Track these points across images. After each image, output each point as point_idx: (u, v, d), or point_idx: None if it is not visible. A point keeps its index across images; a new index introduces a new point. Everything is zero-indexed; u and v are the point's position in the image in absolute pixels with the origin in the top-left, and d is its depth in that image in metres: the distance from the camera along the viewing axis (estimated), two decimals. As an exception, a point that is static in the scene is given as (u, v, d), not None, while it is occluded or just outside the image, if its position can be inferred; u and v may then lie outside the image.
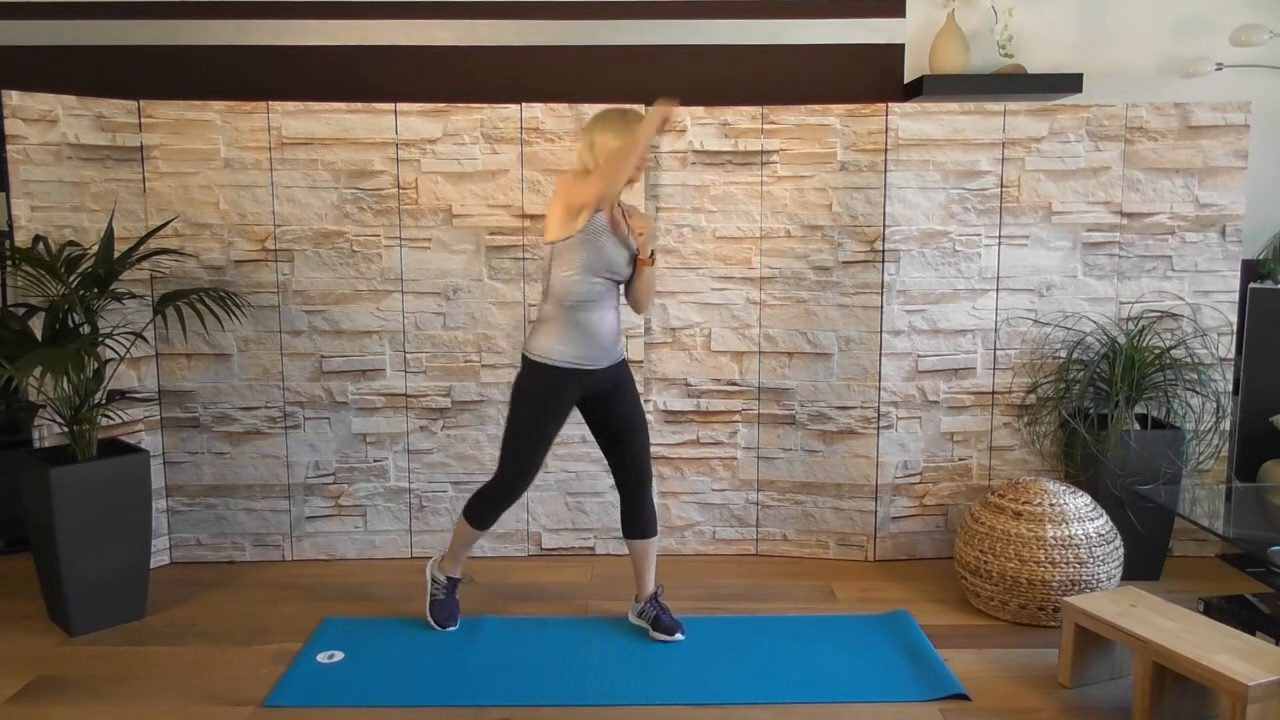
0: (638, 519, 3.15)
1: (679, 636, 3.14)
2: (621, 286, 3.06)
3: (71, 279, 3.19)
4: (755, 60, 4.16)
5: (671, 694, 2.82)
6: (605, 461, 3.82)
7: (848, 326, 3.80)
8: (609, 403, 3.07)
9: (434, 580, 3.27)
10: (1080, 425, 3.59)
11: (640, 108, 3.69)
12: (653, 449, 3.89)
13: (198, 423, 3.78)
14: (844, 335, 3.80)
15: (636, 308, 3.09)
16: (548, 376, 2.97)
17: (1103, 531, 3.26)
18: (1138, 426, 3.64)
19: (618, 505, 3.84)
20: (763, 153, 3.77)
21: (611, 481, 3.86)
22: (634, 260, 3.01)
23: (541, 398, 2.98)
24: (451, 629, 3.21)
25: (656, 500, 3.91)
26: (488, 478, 3.83)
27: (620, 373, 3.09)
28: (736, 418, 3.90)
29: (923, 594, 3.55)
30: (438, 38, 4.12)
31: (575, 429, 3.78)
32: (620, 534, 3.90)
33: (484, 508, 3.10)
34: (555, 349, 2.95)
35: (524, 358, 3.02)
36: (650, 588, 3.24)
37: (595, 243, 2.90)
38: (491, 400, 3.83)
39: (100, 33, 4.08)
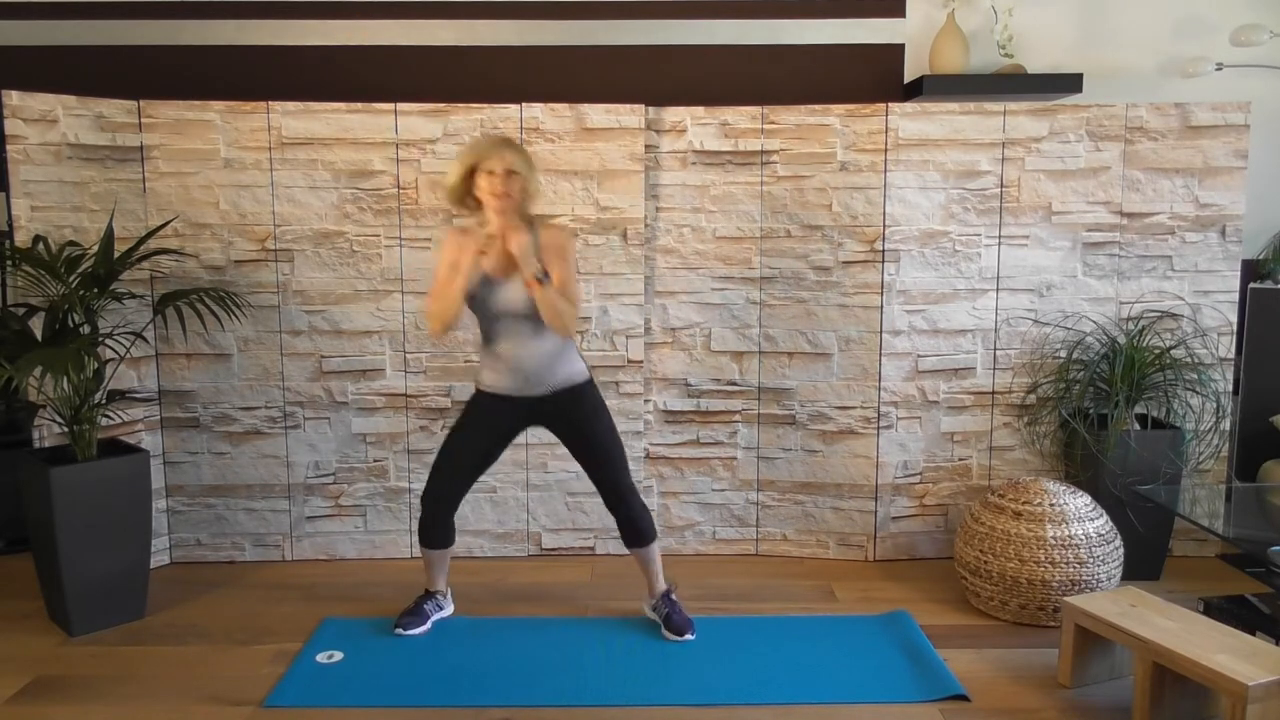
0: (626, 532, 3.19)
1: (689, 636, 3.14)
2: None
3: (71, 279, 3.19)
4: (755, 60, 4.16)
5: (671, 694, 2.82)
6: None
7: (848, 326, 3.80)
8: (564, 431, 3.10)
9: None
10: (1080, 425, 3.59)
11: (641, 107, 3.69)
12: (653, 449, 3.89)
13: (198, 423, 3.78)
14: (844, 335, 3.80)
15: (556, 332, 2.95)
16: (476, 396, 3.13)
17: (1103, 531, 3.26)
18: (1138, 426, 3.64)
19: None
20: (763, 153, 3.77)
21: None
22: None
23: (468, 413, 3.13)
24: (401, 632, 3.18)
25: (657, 501, 3.91)
26: (488, 477, 3.84)
27: (571, 400, 3.05)
28: (736, 418, 3.90)
29: (923, 594, 3.55)
30: (438, 38, 4.12)
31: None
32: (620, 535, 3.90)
33: (420, 522, 3.19)
34: (486, 378, 3.09)
35: None
36: (660, 587, 3.26)
37: (479, 295, 2.94)
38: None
39: (100, 33, 4.08)
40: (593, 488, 3.85)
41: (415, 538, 3.88)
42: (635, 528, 3.17)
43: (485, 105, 3.72)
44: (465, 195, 2.96)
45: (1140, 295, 3.80)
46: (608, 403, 3.80)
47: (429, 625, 3.23)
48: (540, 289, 2.87)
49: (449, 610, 3.34)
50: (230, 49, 4.10)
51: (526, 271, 2.86)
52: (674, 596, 3.26)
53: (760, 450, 3.91)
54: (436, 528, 3.18)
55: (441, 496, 3.14)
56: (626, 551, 3.90)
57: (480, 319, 3.02)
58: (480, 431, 3.11)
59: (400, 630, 3.18)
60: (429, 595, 3.29)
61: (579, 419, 3.07)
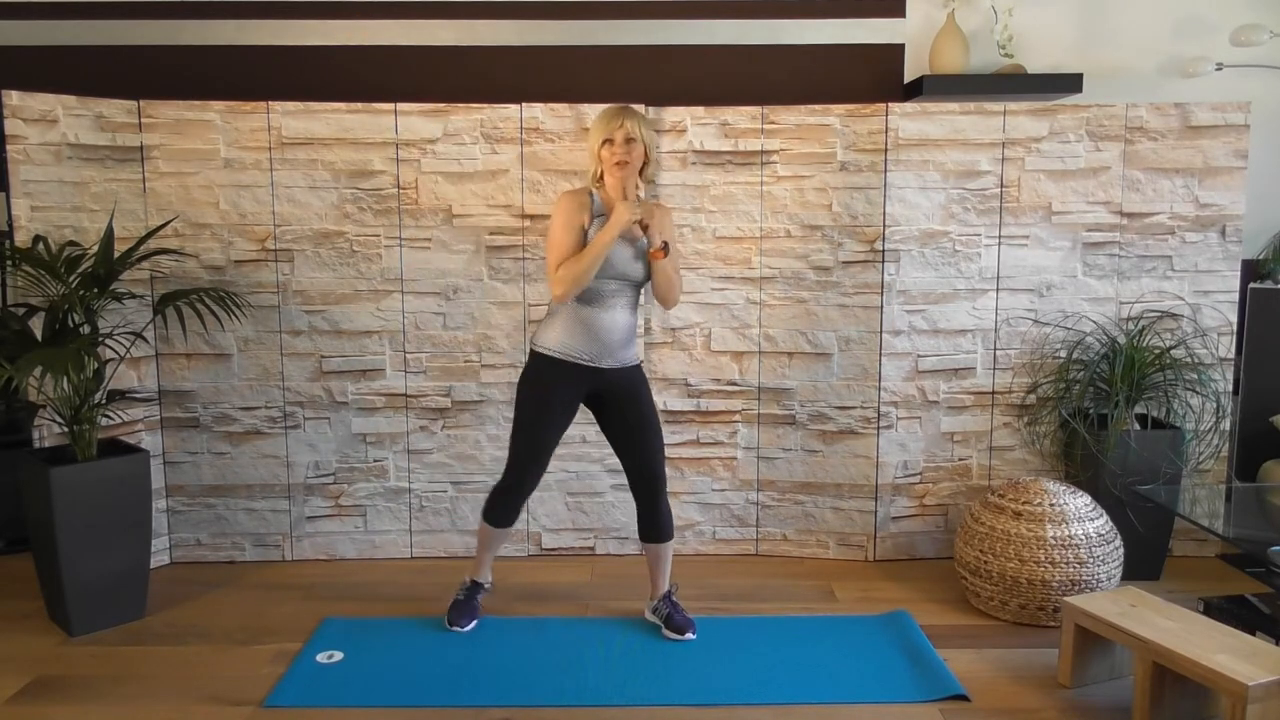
0: (652, 524, 3.17)
1: (689, 636, 3.14)
2: (641, 288, 3.06)
3: (71, 279, 3.19)
4: (755, 60, 4.16)
5: (671, 694, 2.82)
6: (605, 462, 3.83)
7: (848, 326, 3.80)
8: (619, 407, 3.07)
9: (462, 581, 3.32)
10: (1080, 425, 3.59)
11: (641, 107, 3.69)
12: (653, 449, 3.89)
13: (198, 423, 3.78)
14: (844, 335, 3.80)
15: (662, 303, 3.07)
16: (549, 367, 3.01)
17: (1103, 531, 3.26)
18: (1138, 426, 3.64)
19: (617, 505, 3.85)
20: (763, 153, 3.77)
21: (612, 482, 3.86)
22: (646, 256, 2.99)
23: (544, 388, 3.03)
24: (459, 630, 3.20)
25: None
26: (488, 478, 3.84)
27: (631, 378, 3.08)
28: (736, 418, 3.90)
29: (923, 594, 3.55)
30: (438, 38, 4.12)
31: (574, 428, 3.77)
32: (620, 535, 3.90)
33: (496, 503, 3.14)
34: (559, 341, 3.00)
35: (531, 351, 3.07)
36: (663, 587, 3.25)
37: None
38: (492, 400, 3.83)
39: (100, 33, 4.08)
40: (593, 488, 3.87)
41: (414, 537, 3.88)
42: (661, 521, 3.16)
43: (485, 105, 3.72)
44: (603, 176, 3.00)
45: (1140, 295, 3.80)
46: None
47: (477, 621, 3.25)
48: (665, 258, 2.95)
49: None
50: (230, 49, 4.10)
51: (657, 239, 2.94)
52: (674, 597, 3.26)
53: (760, 450, 3.91)
54: (517, 507, 3.15)
55: (535, 476, 3.10)
56: (627, 552, 3.90)
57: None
58: (563, 406, 3.05)
59: (456, 628, 3.19)
60: (478, 587, 3.28)
61: (635, 398, 3.07)
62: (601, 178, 3.00)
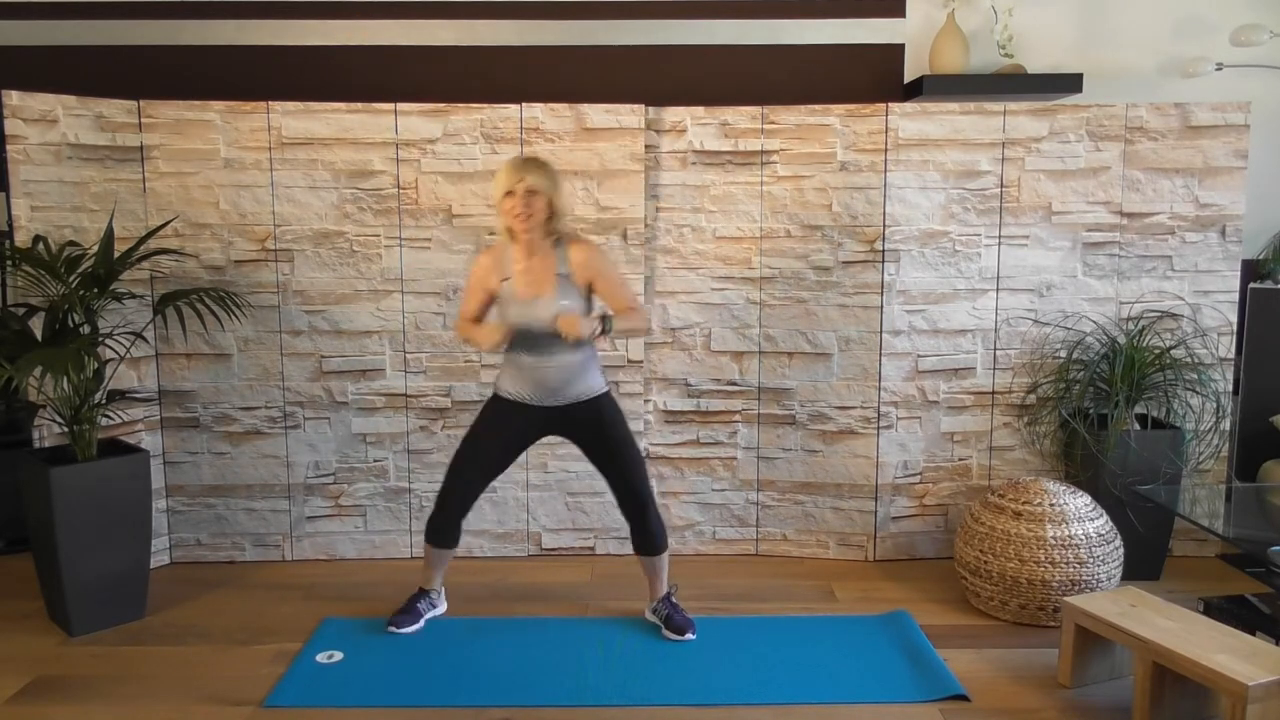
0: (641, 538, 3.20)
1: (689, 636, 3.15)
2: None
3: (71, 279, 3.19)
4: (755, 60, 4.16)
5: (671, 694, 2.82)
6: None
7: (848, 326, 3.80)
8: (585, 440, 3.12)
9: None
10: (1080, 425, 3.59)
11: (641, 107, 3.69)
12: (653, 449, 3.89)
13: (198, 423, 3.78)
14: (844, 335, 3.80)
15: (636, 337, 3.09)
16: (494, 400, 3.14)
17: (1103, 531, 3.26)
18: (1138, 426, 3.64)
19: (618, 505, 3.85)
20: (763, 153, 3.77)
21: (611, 481, 3.87)
22: (571, 310, 2.94)
23: (486, 416, 3.14)
24: (395, 630, 3.18)
25: (657, 501, 3.90)
26: (488, 478, 3.84)
27: (590, 411, 3.07)
28: (736, 418, 3.90)
29: (923, 594, 3.55)
30: (438, 38, 4.12)
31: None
32: (620, 535, 3.90)
33: (430, 523, 3.19)
34: (503, 381, 3.12)
35: None
36: (661, 590, 3.26)
37: (503, 311, 3.01)
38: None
39: (100, 33, 4.08)
40: (593, 487, 3.87)
41: (414, 537, 3.88)
42: (650, 537, 3.18)
43: (485, 105, 3.72)
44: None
45: (1140, 295, 3.80)
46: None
47: (422, 623, 3.24)
48: (607, 338, 2.94)
49: (442, 609, 3.34)
50: (230, 49, 4.10)
51: (586, 335, 2.89)
52: (674, 598, 3.26)
53: (760, 450, 3.91)
54: (448, 529, 3.18)
55: (457, 498, 3.14)
56: (626, 552, 3.90)
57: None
58: (499, 436, 3.12)
59: (393, 628, 3.18)
60: (423, 593, 3.30)
61: (597, 430, 3.09)
62: (510, 228, 2.96)
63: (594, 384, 3.08)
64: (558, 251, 2.97)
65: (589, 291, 3.01)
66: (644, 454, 3.87)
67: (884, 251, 3.73)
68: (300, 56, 4.11)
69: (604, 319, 2.93)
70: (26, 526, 3.32)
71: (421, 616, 3.25)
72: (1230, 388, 3.80)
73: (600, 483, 3.86)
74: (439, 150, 3.71)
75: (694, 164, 3.78)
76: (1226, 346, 3.81)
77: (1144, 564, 3.61)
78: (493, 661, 3.01)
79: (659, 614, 3.23)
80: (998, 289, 3.79)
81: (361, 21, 4.10)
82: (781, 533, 3.94)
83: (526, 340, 2.99)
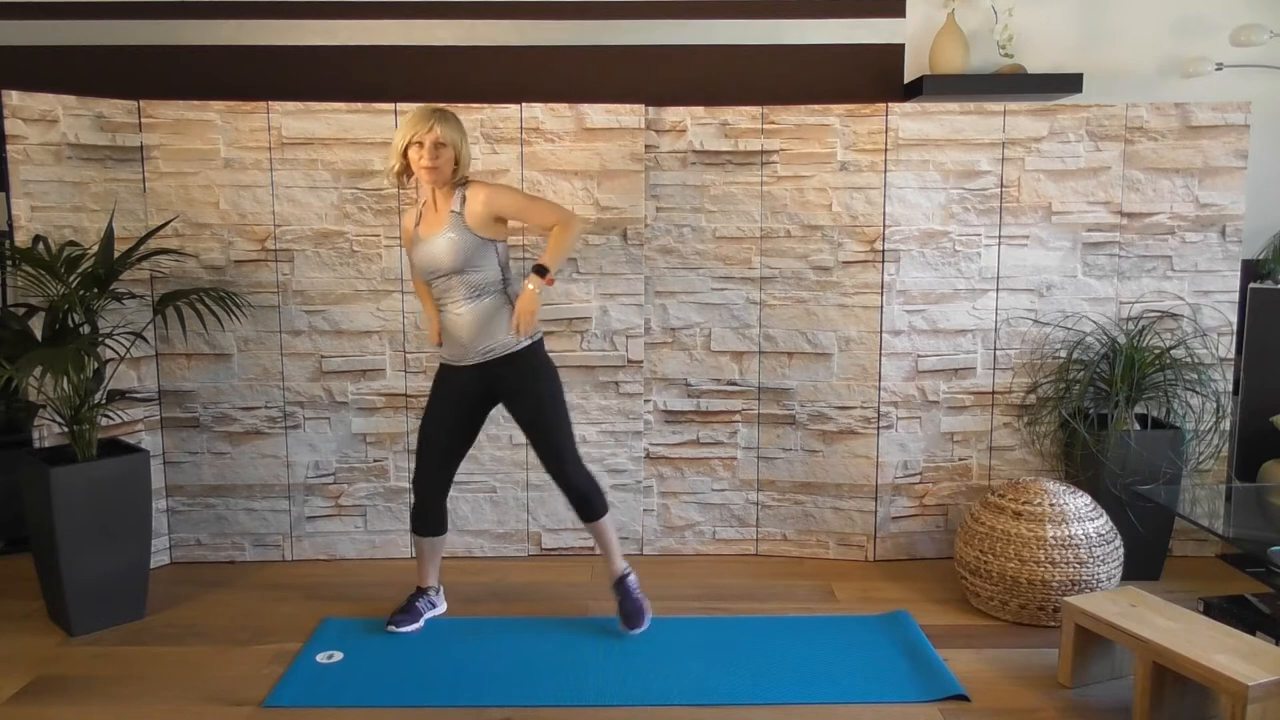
0: (573, 505, 3.18)
1: (635, 629, 3.15)
2: (468, 274, 2.96)
3: (71, 279, 3.19)
4: (755, 60, 4.16)
5: (671, 694, 2.82)
6: (604, 462, 3.84)
7: (848, 326, 3.80)
8: (509, 403, 3.10)
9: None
10: (1080, 425, 3.59)
11: (641, 107, 3.69)
12: (653, 449, 3.89)
13: (198, 423, 3.78)
14: (844, 335, 3.80)
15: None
16: (439, 370, 3.18)
17: (1103, 531, 3.26)
18: (1138, 426, 3.64)
19: (617, 506, 3.86)
20: (763, 153, 3.77)
21: (611, 482, 3.87)
22: (468, 251, 2.96)
23: (433, 389, 3.17)
24: (394, 630, 3.18)
25: (657, 501, 3.91)
26: (487, 477, 3.84)
27: (510, 367, 3.03)
28: (736, 418, 3.90)
29: (923, 594, 3.55)
30: (438, 38, 4.12)
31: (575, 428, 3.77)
32: (621, 534, 3.90)
33: (411, 509, 3.22)
34: (443, 346, 3.15)
35: None
36: (616, 569, 3.24)
37: (409, 255, 3.09)
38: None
39: (100, 33, 4.08)
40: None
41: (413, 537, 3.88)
42: (579, 499, 3.13)
43: (485, 105, 3.72)
44: (405, 171, 3.01)
45: (1140, 295, 3.80)
46: (608, 402, 3.81)
47: (421, 623, 3.24)
48: (551, 282, 2.94)
49: (441, 609, 3.34)
50: (230, 49, 4.10)
51: (535, 304, 2.91)
52: (630, 581, 3.22)
53: (760, 450, 3.91)
54: (428, 514, 3.19)
55: (428, 479, 3.15)
56: (627, 552, 3.90)
57: (419, 279, 3.15)
58: (445, 405, 3.12)
59: (393, 628, 3.18)
60: (421, 593, 3.29)
61: (517, 384, 3.05)
62: (400, 172, 3.00)
63: (507, 339, 3.02)
64: (456, 194, 2.99)
65: (494, 229, 2.99)
66: (644, 453, 3.88)
67: (884, 251, 3.73)
68: (300, 56, 4.11)
69: (537, 269, 2.91)
70: (26, 526, 3.32)
71: (421, 616, 3.25)
72: (1230, 388, 3.80)
73: (600, 483, 3.86)
74: (439, 150, 3.71)
75: (694, 164, 3.78)
76: (1226, 346, 3.81)
77: (1144, 564, 3.61)
78: (493, 661, 3.01)
79: (615, 597, 3.22)
80: (998, 289, 3.79)
81: (361, 21, 4.10)
82: (781, 533, 3.94)
83: (436, 291, 3.04)
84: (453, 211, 2.97)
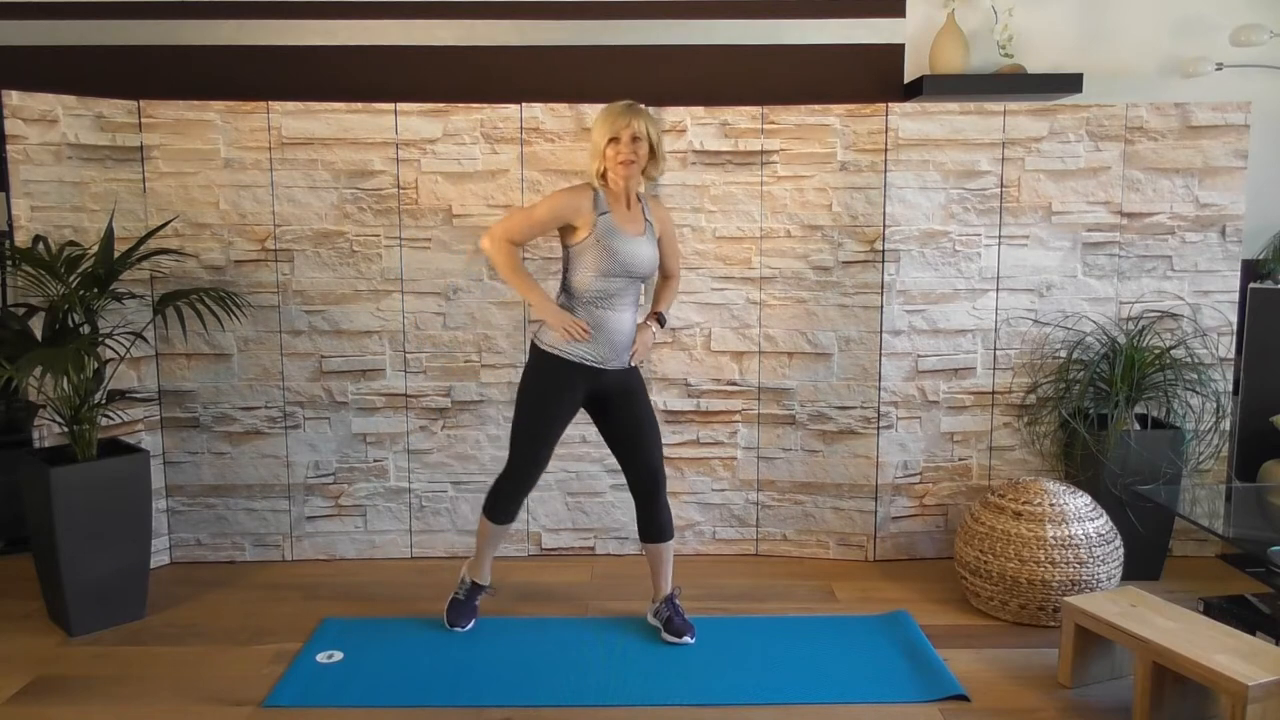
0: (652, 523, 3.16)
1: (688, 640, 3.13)
2: (642, 285, 3.06)
3: (71, 279, 3.19)
4: (755, 60, 4.16)
5: (671, 694, 2.82)
6: (605, 462, 3.83)
7: (848, 326, 3.80)
8: (619, 407, 3.07)
9: (461, 581, 3.30)
10: (1080, 425, 3.59)
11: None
12: (653, 449, 3.89)
13: (198, 423, 3.78)
14: (844, 335, 3.80)
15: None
16: (556, 366, 3.00)
17: (1103, 531, 3.26)
18: (1138, 426, 3.64)
19: (618, 505, 3.85)
20: (763, 153, 3.77)
21: (611, 482, 3.86)
22: (658, 261, 3.08)
23: (550, 388, 3.01)
24: (459, 630, 3.20)
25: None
26: (487, 478, 3.84)
27: (630, 377, 3.09)
28: (736, 418, 3.90)
29: (923, 594, 3.55)
30: (438, 38, 4.12)
31: (574, 429, 3.77)
32: (620, 535, 3.90)
33: (496, 500, 3.12)
34: (567, 340, 2.97)
35: (534, 346, 3.05)
36: (666, 589, 3.24)
37: (606, 245, 2.92)
38: (492, 400, 3.83)
39: (100, 33, 4.08)
40: (593, 488, 3.87)
41: (414, 537, 3.88)
42: (661, 521, 3.15)
43: (485, 105, 3.72)
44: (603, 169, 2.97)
45: (1140, 295, 3.80)
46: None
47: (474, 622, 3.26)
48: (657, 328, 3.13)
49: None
50: (230, 49, 4.10)
51: (640, 355, 3.07)
52: (678, 601, 3.25)
53: (760, 450, 3.91)
54: (517, 504, 3.14)
55: (534, 474, 3.09)
56: (627, 552, 3.90)
57: (594, 276, 2.94)
58: (569, 405, 3.04)
59: (457, 629, 3.20)
60: (478, 589, 3.27)
61: (636, 395, 3.09)
62: (604, 175, 2.97)
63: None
64: (641, 203, 3.05)
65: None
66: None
67: (884, 251, 3.73)
68: (300, 56, 4.11)
69: (659, 317, 3.15)
70: (27, 526, 3.32)
71: (477, 613, 3.27)
72: (1230, 388, 3.80)
73: (600, 483, 3.87)
74: (439, 150, 3.71)
75: (694, 164, 3.78)
76: (1226, 346, 3.81)
77: (1144, 564, 3.61)
78: (493, 661, 3.01)
79: (660, 616, 3.22)
80: (998, 289, 3.79)
81: (361, 21, 4.10)
82: (781, 533, 3.94)
83: (612, 289, 2.96)
84: (648, 220, 3.04)
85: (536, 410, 3.02)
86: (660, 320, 3.15)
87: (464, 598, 3.26)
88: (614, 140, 2.91)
